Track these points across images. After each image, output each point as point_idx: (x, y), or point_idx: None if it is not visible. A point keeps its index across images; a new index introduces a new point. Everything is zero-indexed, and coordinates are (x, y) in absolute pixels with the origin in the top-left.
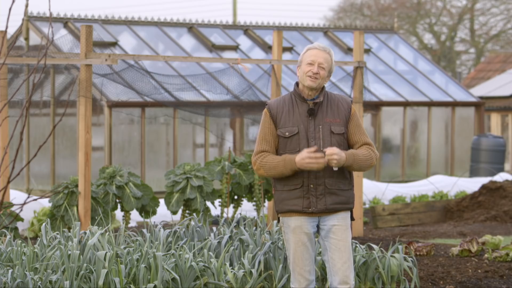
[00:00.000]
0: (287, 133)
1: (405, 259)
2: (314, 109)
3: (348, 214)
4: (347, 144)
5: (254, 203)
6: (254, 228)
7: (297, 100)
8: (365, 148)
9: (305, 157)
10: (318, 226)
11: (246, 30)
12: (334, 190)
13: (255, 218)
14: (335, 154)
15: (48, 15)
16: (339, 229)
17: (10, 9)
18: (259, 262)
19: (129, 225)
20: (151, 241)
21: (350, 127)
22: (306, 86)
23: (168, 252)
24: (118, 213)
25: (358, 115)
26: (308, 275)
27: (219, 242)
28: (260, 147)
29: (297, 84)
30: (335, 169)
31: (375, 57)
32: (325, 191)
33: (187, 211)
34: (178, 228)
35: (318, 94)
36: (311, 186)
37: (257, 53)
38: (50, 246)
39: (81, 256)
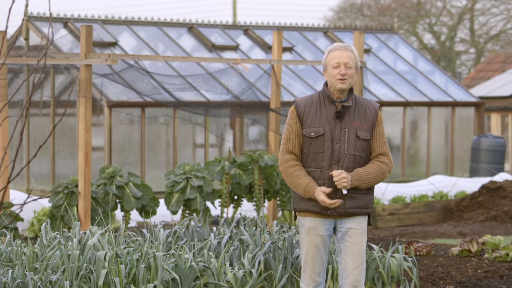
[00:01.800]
0: (312, 134)
1: (405, 259)
2: (342, 112)
3: (365, 218)
4: (369, 149)
5: (254, 203)
6: (254, 228)
7: (325, 101)
8: (375, 162)
9: (321, 200)
10: (335, 228)
11: (246, 30)
12: (354, 194)
13: (255, 218)
14: (344, 178)
15: (48, 15)
16: (355, 232)
17: (10, 9)
18: (259, 262)
19: (129, 225)
20: (151, 241)
21: (374, 133)
22: (338, 89)
23: (168, 252)
24: (118, 213)
25: (383, 122)
26: (317, 277)
27: (219, 242)
28: (286, 147)
29: (326, 84)
30: (345, 192)
31: (375, 57)
32: (344, 194)
33: (187, 211)
34: (178, 228)
35: (347, 96)
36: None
37: (257, 53)
38: (50, 246)
39: (81, 256)
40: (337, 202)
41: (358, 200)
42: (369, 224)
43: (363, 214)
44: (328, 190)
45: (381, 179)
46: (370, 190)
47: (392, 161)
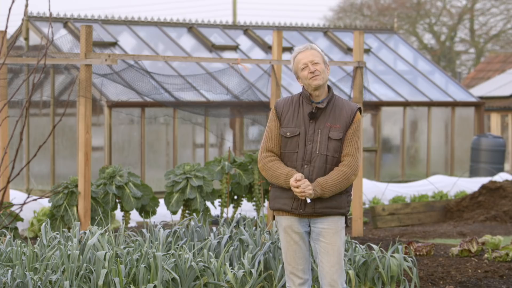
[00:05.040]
0: (288, 133)
1: (405, 259)
2: (316, 113)
3: (340, 218)
4: None
5: (254, 203)
6: (254, 228)
7: (303, 102)
8: (336, 169)
9: (291, 185)
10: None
11: (246, 30)
12: None
13: (255, 218)
14: (308, 185)
15: (48, 15)
16: (328, 232)
17: (10, 9)
18: (259, 262)
19: (129, 225)
20: (151, 241)
21: (347, 133)
22: (314, 86)
23: (168, 252)
24: (118, 213)
25: (360, 124)
26: (301, 273)
27: (219, 242)
28: (265, 145)
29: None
30: (308, 201)
31: (375, 57)
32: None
33: (187, 211)
34: (178, 228)
35: (325, 97)
36: None
37: (257, 53)
38: (50, 246)
39: (81, 256)
40: (307, 190)
41: (329, 201)
42: (346, 225)
43: (335, 214)
44: (299, 177)
45: (347, 184)
46: (344, 190)
47: (358, 162)
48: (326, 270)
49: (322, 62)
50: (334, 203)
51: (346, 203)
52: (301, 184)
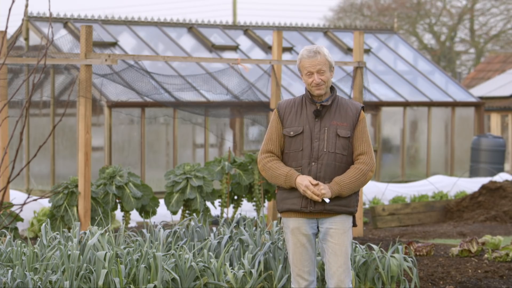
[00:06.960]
0: (291, 132)
1: (405, 259)
2: (321, 111)
3: (348, 218)
4: (352, 148)
5: (254, 203)
6: (254, 228)
7: (307, 102)
8: (352, 167)
9: (304, 185)
10: (317, 227)
11: (246, 30)
12: None
13: (255, 218)
14: (322, 188)
15: (48, 15)
16: (336, 232)
17: (10, 9)
18: (259, 262)
19: (129, 225)
20: (151, 241)
21: (355, 132)
22: (316, 94)
23: (168, 252)
24: (118, 213)
25: (366, 122)
26: (307, 275)
27: (219, 242)
28: (266, 146)
29: None
30: (327, 200)
31: (375, 57)
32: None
33: (187, 211)
34: (178, 228)
35: (328, 97)
36: None
37: (257, 53)
38: (50, 246)
39: (81, 256)
40: (320, 191)
41: (339, 199)
42: (354, 225)
43: (344, 213)
44: (314, 181)
45: (364, 180)
46: None
47: (373, 159)
48: (333, 270)
49: (328, 69)
50: (343, 201)
51: (355, 202)
52: (314, 188)
